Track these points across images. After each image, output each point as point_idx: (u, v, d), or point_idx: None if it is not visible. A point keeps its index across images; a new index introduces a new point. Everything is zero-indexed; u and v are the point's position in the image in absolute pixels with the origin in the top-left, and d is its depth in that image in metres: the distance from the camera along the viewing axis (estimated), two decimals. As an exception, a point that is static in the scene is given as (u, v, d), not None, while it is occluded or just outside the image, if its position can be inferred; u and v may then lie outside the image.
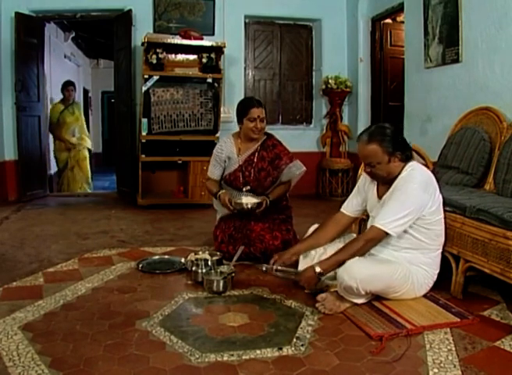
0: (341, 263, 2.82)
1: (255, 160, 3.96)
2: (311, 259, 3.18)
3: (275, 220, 3.91)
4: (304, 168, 4.03)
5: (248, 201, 3.77)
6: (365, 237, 2.85)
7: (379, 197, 3.05)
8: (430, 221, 2.87)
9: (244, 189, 3.94)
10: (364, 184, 3.22)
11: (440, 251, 3.01)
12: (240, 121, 3.96)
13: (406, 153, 2.90)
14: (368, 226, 3.14)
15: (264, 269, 3.17)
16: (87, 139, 8.34)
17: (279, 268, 3.13)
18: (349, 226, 3.34)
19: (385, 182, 3.00)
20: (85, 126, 8.44)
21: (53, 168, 7.79)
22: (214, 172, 4.07)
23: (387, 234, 2.79)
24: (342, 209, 3.32)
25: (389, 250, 2.92)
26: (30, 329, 2.59)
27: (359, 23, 7.03)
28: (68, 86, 8.02)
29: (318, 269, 2.84)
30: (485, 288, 3.20)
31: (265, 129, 4.02)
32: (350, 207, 3.28)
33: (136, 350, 2.38)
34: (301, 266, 3.20)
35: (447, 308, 2.84)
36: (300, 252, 3.22)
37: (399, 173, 2.90)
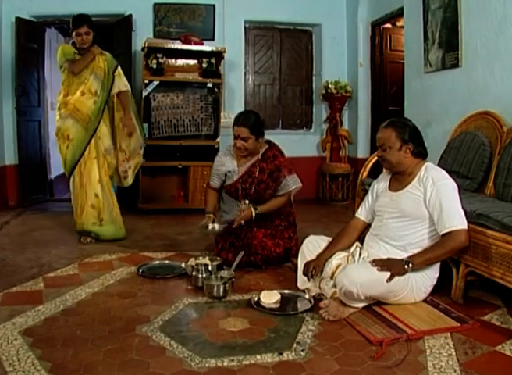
0: (431, 261, 2.86)
1: (256, 173, 3.86)
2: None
3: (278, 227, 3.89)
4: (300, 184, 3.93)
5: (214, 226, 3.83)
6: (453, 244, 2.81)
7: (391, 190, 3.11)
8: None
9: (242, 202, 3.88)
10: (376, 189, 3.27)
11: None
12: None
13: (418, 148, 2.98)
14: (374, 224, 3.18)
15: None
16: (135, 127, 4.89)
17: None
18: (364, 230, 3.34)
19: (393, 171, 3.10)
20: (132, 102, 5.00)
21: (53, 172, 7.77)
22: (212, 182, 4.03)
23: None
24: (356, 215, 3.36)
25: (393, 248, 2.96)
26: (31, 334, 2.60)
27: (359, 27, 7.04)
28: (78, 26, 4.61)
29: (409, 264, 2.79)
30: (486, 293, 3.20)
31: (255, 146, 3.83)
32: (363, 212, 3.32)
33: (136, 355, 2.38)
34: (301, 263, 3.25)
35: (447, 312, 2.84)
36: (327, 259, 3.15)
37: (413, 172, 2.98)
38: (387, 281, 2.74)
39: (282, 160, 3.92)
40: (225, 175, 3.96)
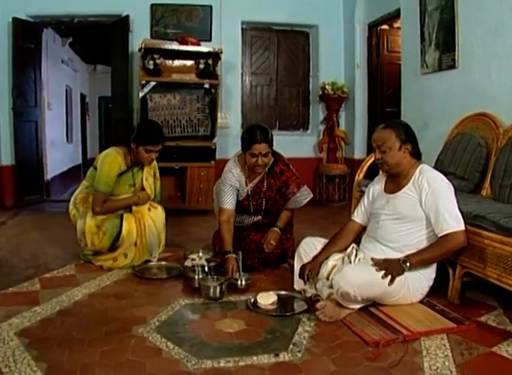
0: (428, 261, 2.87)
1: (263, 189, 3.79)
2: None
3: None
4: (311, 195, 3.95)
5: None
6: (450, 245, 2.81)
7: (387, 192, 3.10)
8: None
9: (256, 218, 3.89)
10: (371, 192, 3.27)
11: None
12: (243, 151, 3.67)
13: (416, 148, 3.01)
14: (370, 226, 3.18)
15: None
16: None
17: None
18: (360, 232, 3.33)
19: (391, 173, 3.08)
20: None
21: (50, 173, 7.76)
22: (227, 201, 3.71)
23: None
24: (353, 218, 3.35)
25: (389, 250, 2.96)
26: (27, 335, 2.58)
27: (356, 29, 7.07)
28: (154, 144, 3.91)
29: (406, 263, 2.78)
30: (482, 294, 3.20)
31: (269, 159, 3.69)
32: (359, 214, 3.31)
33: (132, 356, 2.38)
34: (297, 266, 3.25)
35: (444, 313, 2.84)
36: (323, 260, 3.14)
37: (408, 174, 2.98)
38: (389, 285, 2.74)
39: (290, 175, 3.83)
40: (238, 189, 3.80)
